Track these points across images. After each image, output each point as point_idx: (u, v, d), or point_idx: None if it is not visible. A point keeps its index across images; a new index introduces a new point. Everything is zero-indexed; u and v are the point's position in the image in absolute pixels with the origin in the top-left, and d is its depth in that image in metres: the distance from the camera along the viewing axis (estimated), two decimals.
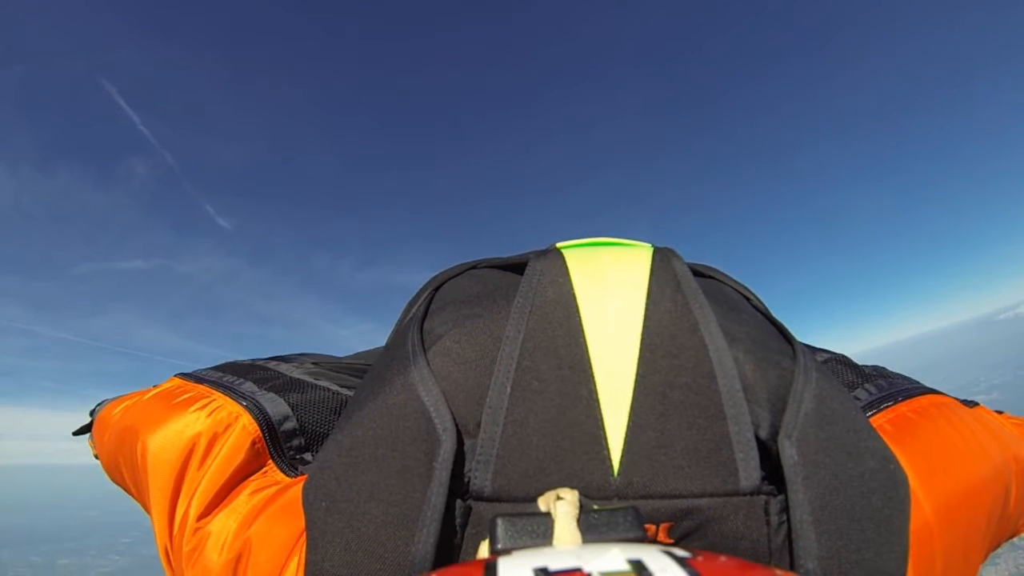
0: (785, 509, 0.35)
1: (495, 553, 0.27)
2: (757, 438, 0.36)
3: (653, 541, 0.34)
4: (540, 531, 0.29)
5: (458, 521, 0.35)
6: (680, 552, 0.25)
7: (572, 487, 0.33)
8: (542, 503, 0.32)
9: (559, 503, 0.30)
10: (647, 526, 0.34)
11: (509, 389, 0.36)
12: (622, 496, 0.34)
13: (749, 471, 0.35)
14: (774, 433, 0.36)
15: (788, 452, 0.35)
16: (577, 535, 0.28)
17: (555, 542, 0.28)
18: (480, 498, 0.35)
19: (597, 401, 0.36)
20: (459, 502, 0.35)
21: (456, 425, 0.36)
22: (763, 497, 0.35)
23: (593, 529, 0.29)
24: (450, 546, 0.35)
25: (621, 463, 0.35)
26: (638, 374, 0.36)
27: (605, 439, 0.35)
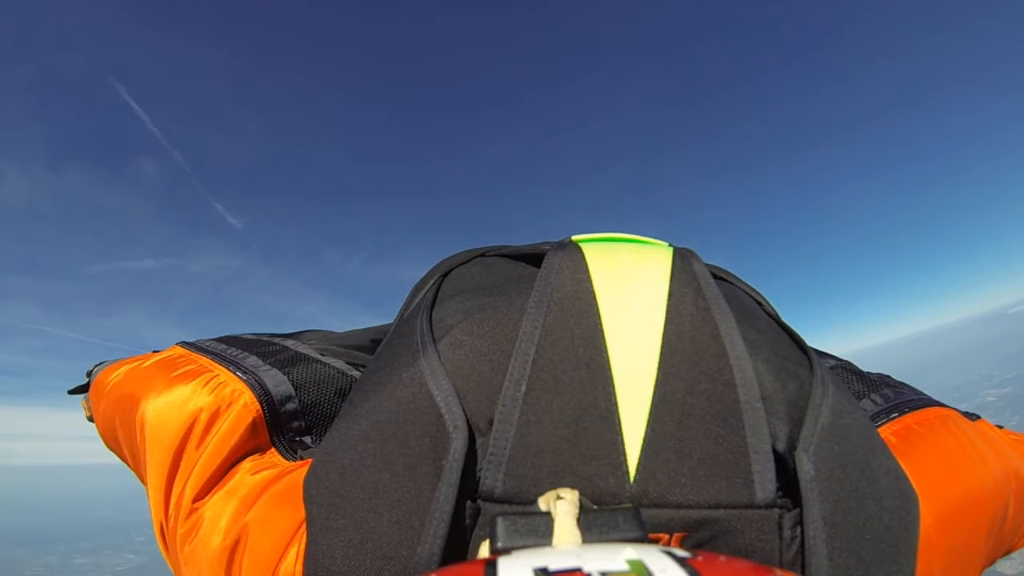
0: (798, 524, 0.35)
1: (495, 553, 0.27)
2: (773, 450, 0.35)
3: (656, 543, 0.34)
4: (540, 531, 0.28)
5: (467, 522, 0.34)
6: (680, 552, 0.25)
7: (586, 492, 0.33)
8: (542, 503, 0.32)
9: (559, 503, 0.30)
10: (660, 535, 0.34)
11: (524, 387, 0.35)
12: (637, 504, 0.34)
13: (765, 484, 0.34)
14: (791, 446, 0.35)
15: (805, 467, 0.34)
16: (577, 535, 0.28)
17: (555, 542, 0.28)
18: (490, 499, 0.34)
19: (616, 405, 0.35)
20: (468, 503, 0.35)
21: (467, 422, 0.35)
22: (777, 511, 0.35)
23: (593, 529, 0.29)
24: (457, 547, 0.34)
25: (638, 470, 0.34)
26: (658, 379, 0.35)
27: (622, 445, 0.34)
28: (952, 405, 0.57)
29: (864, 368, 0.63)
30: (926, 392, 0.60)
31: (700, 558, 0.24)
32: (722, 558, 0.25)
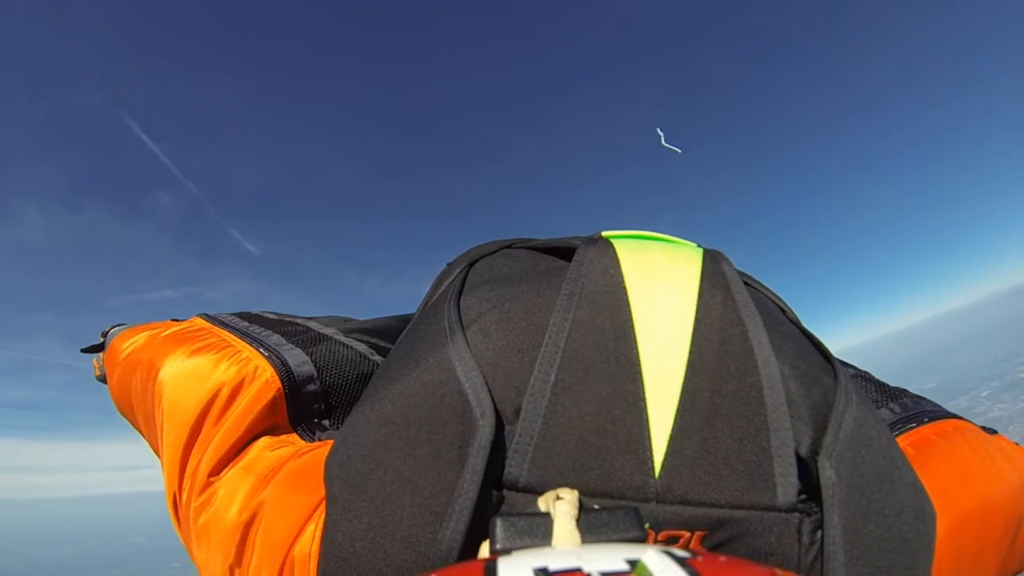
0: (817, 530, 0.35)
1: (495, 553, 0.27)
2: (796, 455, 0.35)
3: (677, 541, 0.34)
4: (539, 531, 0.28)
5: (490, 511, 0.34)
6: (680, 552, 0.25)
7: (611, 486, 0.33)
8: (541, 503, 0.32)
9: (558, 503, 0.30)
10: (681, 533, 0.34)
11: (553, 378, 0.35)
12: (661, 500, 0.34)
13: (787, 488, 0.34)
14: (814, 452, 0.36)
15: (827, 473, 0.34)
16: (576, 535, 0.28)
17: (554, 542, 0.28)
18: (514, 488, 0.34)
19: (644, 400, 0.35)
20: (492, 491, 0.34)
21: (495, 410, 0.35)
22: (797, 515, 0.35)
23: (593, 529, 0.29)
24: (479, 535, 0.33)
25: (663, 466, 0.34)
26: (686, 377, 0.35)
27: (649, 440, 0.34)
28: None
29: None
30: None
31: (700, 558, 0.24)
32: (722, 558, 0.25)
